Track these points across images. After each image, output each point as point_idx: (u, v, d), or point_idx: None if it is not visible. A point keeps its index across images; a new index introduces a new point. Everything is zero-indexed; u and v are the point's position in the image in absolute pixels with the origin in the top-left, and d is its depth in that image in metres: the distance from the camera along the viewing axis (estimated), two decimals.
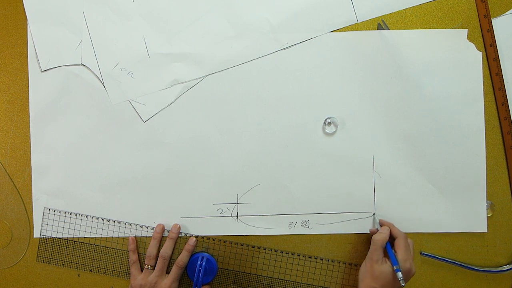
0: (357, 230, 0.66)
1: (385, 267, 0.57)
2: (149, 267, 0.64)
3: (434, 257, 0.65)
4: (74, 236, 0.67)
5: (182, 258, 0.64)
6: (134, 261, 0.65)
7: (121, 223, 0.67)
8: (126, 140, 0.66)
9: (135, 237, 0.66)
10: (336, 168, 0.66)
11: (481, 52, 0.64)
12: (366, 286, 0.57)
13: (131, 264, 0.65)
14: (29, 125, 0.67)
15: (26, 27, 0.66)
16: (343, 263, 0.66)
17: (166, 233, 0.66)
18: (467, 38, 0.64)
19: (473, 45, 0.64)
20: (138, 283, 0.63)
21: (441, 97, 0.64)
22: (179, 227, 0.66)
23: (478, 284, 0.66)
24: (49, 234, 0.67)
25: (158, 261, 0.64)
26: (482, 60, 0.64)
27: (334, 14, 0.65)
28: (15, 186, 0.67)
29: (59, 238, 0.67)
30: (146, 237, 0.67)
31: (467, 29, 0.64)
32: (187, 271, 0.66)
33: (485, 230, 0.65)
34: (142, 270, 0.65)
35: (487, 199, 0.65)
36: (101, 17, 0.66)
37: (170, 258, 0.65)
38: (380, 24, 0.65)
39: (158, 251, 0.65)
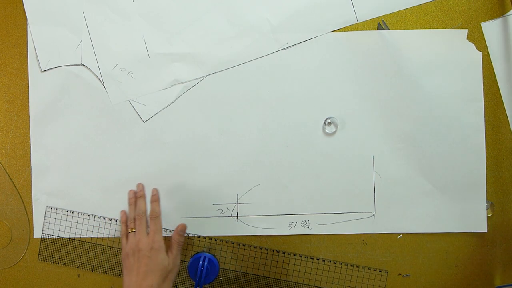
0: (357, 230, 0.66)
1: None
2: (132, 231, 0.62)
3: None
4: (76, 235, 0.67)
5: (153, 208, 0.64)
6: (124, 232, 0.64)
7: None
8: (126, 140, 0.66)
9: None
10: (336, 168, 0.66)
11: (481, 52, 0.64)
12: None
13: (121, 236, 0.63)
14: (29, 125, 0.67)
15: (26, 27, 0.66)
16: (344, 264, 0.66)
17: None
18: (467, 38, 0.64)
19: (473, 45, 0.64)
20: (125, 251, 0.61)
21: (441, 97, 0.65)
22: (143, 184, 0.65)
23: (478, 284, 0.66)
24: (51, 232, 0.67)
25: (136, 221, 0.62)
26: (482, 60, 0.64)
27: (334, 14, 0.65)
28: (15, 186, 0.67)
29: (60, 237, 0.67)
30: None
31: (467, 29, 0.64)
32: (189, 271, 0.66)
33: (485, 230, 0.65)
34: None
35: (487, 199, 0.65)
36: (101, 17, 0.66)
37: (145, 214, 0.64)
38: (380, 24, 0.65)
39: None
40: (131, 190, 0.66)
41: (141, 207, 0.63)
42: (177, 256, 0.61)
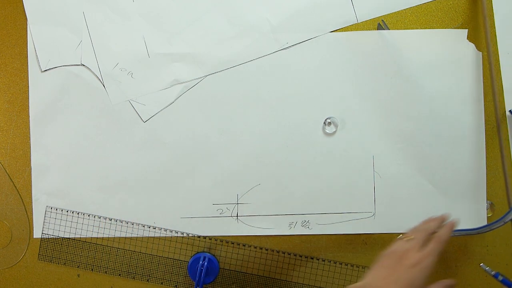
0: (357, 230, 0.66)
1: None
2: (407, 237, 0.55)
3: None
4: (76, 235, 0.67)
5: (445, 232, 0.55)
6: (404, 236, 0.56)
7: (123, 222, 0.67)
8: (126, 140, 0.66)
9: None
10: (336, 168, 0.66)
11: (481, 52, 0.64)
12: None
13: (402, 236, 0.56)
14: (29, 125, 0.67)
15: (26, 27, 0.66)
16: (344, 264, 0.66)
17: (166, 233, 0.66)
18: (467, 38, 0.64)
19: (473, 45, 0.64)
20: (390, 250, 0.53)
21: (441, 97, 0.65)
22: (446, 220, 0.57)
23: (478, 284, 0.66)
24: (51, 232, 0.67)
25: (418, 232, 0.55)
26: (482, 60, 0.64)
27: (334, 14, 0.65)
28: (15, 186, 0.67)
29: (60, 237, 0.67)
30: (148, 237, 0.67)
31: (467, 29, 0.64)
32: (189, 271, 0.66)
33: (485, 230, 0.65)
34: None
35: (487, 199, 0.65)
36: (101, 17, 0.66)
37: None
38: (380, 24, 0.65)
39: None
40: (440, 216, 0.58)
41: (431, 226, 0.56)
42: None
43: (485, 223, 0.65)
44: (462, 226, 0.65)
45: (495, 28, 0.65)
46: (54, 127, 0.67)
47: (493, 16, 0.65)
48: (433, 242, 0.53)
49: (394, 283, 0.50)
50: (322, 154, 0.66)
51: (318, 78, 0.65)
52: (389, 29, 0.65)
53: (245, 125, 0.66)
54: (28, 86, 0.67)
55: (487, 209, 0.65)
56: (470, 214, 0.65)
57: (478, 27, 0.65)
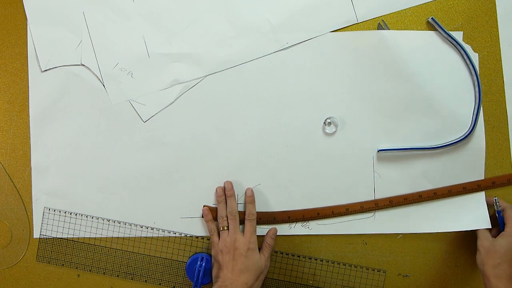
0: (357, 230, 0.66)
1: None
2: (225, 228, 0.63)
3: (391, 149, 0.64)
4: (74, 236, 0.67)
5: (250, 210, 0.64)
6: (213, 230, 0.64)
7: (121, 223, 0.67)
8: (126, 140, 0.66)
9: (208, 207, 0.66)
10: (336, 168, 0.66)
11: (477, 54, 0.64)
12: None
13: (211, 234, 0.64)
14: (29, 125, 0.67)
15: (26, 27, 0.66)
16: (343, 264, 0.66)
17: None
18: (466, 39, 0.64)
19: (469, 46, 0.64)
20: (218, 248, 0.62)
21: (441, 97, 0.64)
22: (231, 182, 0.65)
23: (478, 284, 0.66)
24: (49, 234, 0.67)
25: (229, 220, 0.63)
26: (482, 60, 0.64)
27: (334, 14, 0.65)
28: (15, 186, 0.67)
29: (59, 238, 0.67)
30: (146, 237, 0.67)
31: (462, 32, 0.64)
32: (187, 271, 0.66)
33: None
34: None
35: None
36: (101, 17, 0.66)
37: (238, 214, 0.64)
38: (380, 24, 0.65)
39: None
40: (219, 187, 0.65)
41: (233, 206, 0.63)
42: (268, 258, 0.63)
43: (488, 220, 0.64)
44: (462, 225, 0.65)
45: (497, 23, 0.65)
46: (54, 127, 0.67)
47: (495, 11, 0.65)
48: (248, 223, 0.63)
49: (244, 271, 0.60)
50: (322, 154, 0.66)
51: (318, 78, 0.65)
52: (389, 29, 0.65)
53: (245, 125, 0.66)
54: (28, 86, 0.67)
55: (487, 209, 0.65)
56: (470, 214, 0.65)
57: (478, 27, 0.65)
